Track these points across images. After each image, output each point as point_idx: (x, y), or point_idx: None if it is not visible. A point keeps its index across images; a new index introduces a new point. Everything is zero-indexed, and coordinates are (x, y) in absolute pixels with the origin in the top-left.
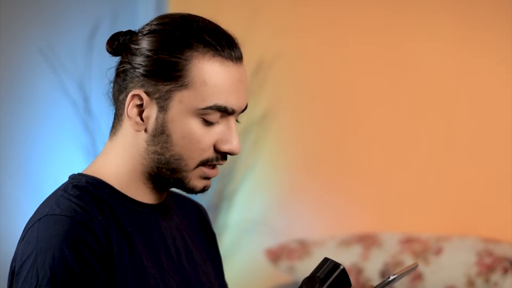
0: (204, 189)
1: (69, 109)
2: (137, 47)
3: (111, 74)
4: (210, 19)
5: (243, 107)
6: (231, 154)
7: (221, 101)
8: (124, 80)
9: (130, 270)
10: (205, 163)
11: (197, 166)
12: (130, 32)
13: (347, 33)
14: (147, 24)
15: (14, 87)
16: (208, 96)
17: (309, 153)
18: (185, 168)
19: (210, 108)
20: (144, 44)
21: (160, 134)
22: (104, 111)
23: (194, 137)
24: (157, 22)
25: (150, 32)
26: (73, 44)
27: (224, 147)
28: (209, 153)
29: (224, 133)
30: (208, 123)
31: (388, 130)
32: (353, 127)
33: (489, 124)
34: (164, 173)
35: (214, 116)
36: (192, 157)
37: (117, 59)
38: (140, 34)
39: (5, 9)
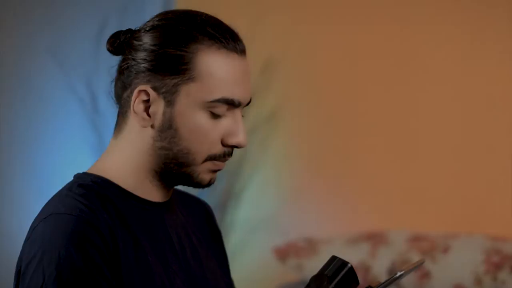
0: (210, 183)
1: (77, 107)
2: (140, 43)
3: (114, 72)
4: (213, 15)
5: (248, 100)
6: (238, 147)
7: (228, 93)
8: (129, 76)
9: (136, 268)
10: (212, 158)
11: (205, 161)
12: (130, 30)
13: (354, 33)
14: (149, 21)
15: (21, 85)
16: (215, 88)
17: (316, 151)
18: (193, 162)
19: (218, 101)
20: (148, 39)
21: (168, 129)
22: (111, 110)
23: (202, 130)
24: (159, 18)
25: (153, 28)
26: (81, 42)
27: (232, 140)
28: (217, 148)
29: (231, 127)
30: (215, 116)
31: (395, 128)
32: (360, 126)
33: (496, 122)
34: (172, 168)
35: (221, 109)
36: (200, 151)
37: None
38: (142, 31)
39: (12, 8)
